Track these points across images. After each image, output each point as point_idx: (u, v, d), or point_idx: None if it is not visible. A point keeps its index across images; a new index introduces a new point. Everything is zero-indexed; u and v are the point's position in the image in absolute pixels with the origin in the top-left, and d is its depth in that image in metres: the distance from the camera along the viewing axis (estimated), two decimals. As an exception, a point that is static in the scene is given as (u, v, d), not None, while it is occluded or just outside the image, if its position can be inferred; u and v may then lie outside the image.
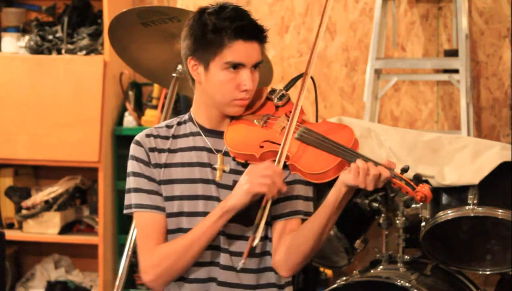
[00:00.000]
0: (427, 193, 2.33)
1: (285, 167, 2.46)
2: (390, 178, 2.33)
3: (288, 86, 2.61)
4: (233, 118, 2.55)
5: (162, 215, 2.52)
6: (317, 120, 2.61)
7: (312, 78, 2.55)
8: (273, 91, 2.59)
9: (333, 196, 2.39)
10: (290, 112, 2.50)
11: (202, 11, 2.48)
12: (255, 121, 2.53)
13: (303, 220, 2.52)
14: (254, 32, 2.46)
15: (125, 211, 2.56)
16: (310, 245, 2.45)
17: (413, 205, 3.24)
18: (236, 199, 2.41)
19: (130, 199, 2.54)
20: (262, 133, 2.50)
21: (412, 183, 2.34)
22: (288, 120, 2.49)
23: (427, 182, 3.21)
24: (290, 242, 2.47)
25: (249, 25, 2.45)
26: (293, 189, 2.52)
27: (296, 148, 2.44)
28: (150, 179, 2.53)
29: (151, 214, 2.52)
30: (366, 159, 2.35)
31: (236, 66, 2.45)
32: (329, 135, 2.43)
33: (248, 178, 2.39)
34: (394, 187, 2.35)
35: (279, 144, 2.44)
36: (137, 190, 2.53)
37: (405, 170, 2.36)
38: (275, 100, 2.57)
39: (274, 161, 2.42)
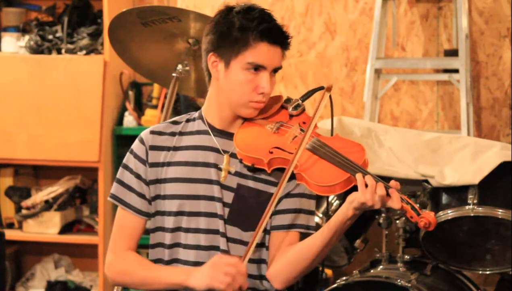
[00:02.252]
0: (431, 220, 2.32)
1: (292, 176, 2.44)
2: (401, 206, 2.32)
3: (304, 98, 2.59)
4: (245, 120, 2.53)
5: (139, 218, 2.56)
6: (332, 134, 2.59)
7: (330, 95, 2.53)
8: (288, 100, 2.58)
9: (339, 218, 2.38)
10: (304, 122, 2.50)
11: (229, 9, 2.47)
12: (267, 126, 2.51)
13: (302, 234, 2.52)
14: (280, 37, 2.46)
15: (108, 198, 2.60)
16: (308, 263, 2.45)
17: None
18: (197, 283, 2.39)
19: (114, 188, 2.58)
20: (273, 139, 2.48)
21: (417, 208, 2.33)
22: (301, 129, 2.48)
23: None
24: (288, 257, 2.46)
25: (276, 29, 2.46)
26: (296, 202, 2.51)
27: (306, 158, 2.42)
28: (140, 178, 2.55)
29: (128, 213, 2.56)
30: (376, 179, 2.33)
31: (257, 68, 2.44)
32: (340, 151, 2.42)
33: (210, 272, 2.36)
34: (400, 210, 2.34)
35: (289, 153, 2.43)
36: (123, 184, 2.56)
37: (412, 194, 2.35)
38: (290, 109, 2.55)
39: (242, 256, 2.38)
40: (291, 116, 2.55)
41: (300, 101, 2.57)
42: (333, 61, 4.68)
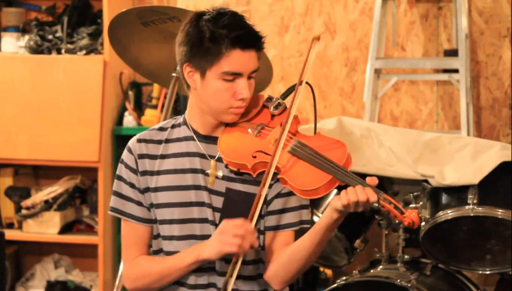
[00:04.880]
0: (415, 219, 2.33)
1: (276, 179, 2.45)
2: (378, 201, 2.33)
3: (285, 95, 2.59)
4: (227, 124, 2.53)
5: (142, 226, 2.56)
6: (315, 131, 2.59)
7: (310, 85, 2.53)
8: (269, 99, 2.57)
9: (324, 221, 2.39)
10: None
11: (198, 16, 2.45)
12: (249, 130, 2.51)
13: (297, 231, 2.52)
14: (252, 41, 2.44)
15: (109, 212, 2.60)
16: (302, 263, 2.46)
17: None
18: (209, 253, 2.41)
19: (112, 201, 2.58)
20: (256, 143, 2.49)
21: (400, 207, 2.34)
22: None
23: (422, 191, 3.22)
24: (282, 259, 2.47)
25: (247, 34, 2.43)
26: (287, 201, 2.52)
27: (288, 161, 2.43)
28: (135, 187, 2.55)
29: (131, 223, 2.56)
30: (356, 180, 2.34)
31: (233, 75, 2.43)
32: (322, 151, 2.42)
33: (219, 238, 2.38)
34: (383, 210, 2.35)
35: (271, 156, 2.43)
36: (120, 196, 2.57)
37: (394, 193, 2.35)
38: (271, 109, 2.55)
39: (248, 218, 2.39)
40: (272, 116, 2.55)
41: (280, 100, 2.57)
42: (333, 61, 4.69)
